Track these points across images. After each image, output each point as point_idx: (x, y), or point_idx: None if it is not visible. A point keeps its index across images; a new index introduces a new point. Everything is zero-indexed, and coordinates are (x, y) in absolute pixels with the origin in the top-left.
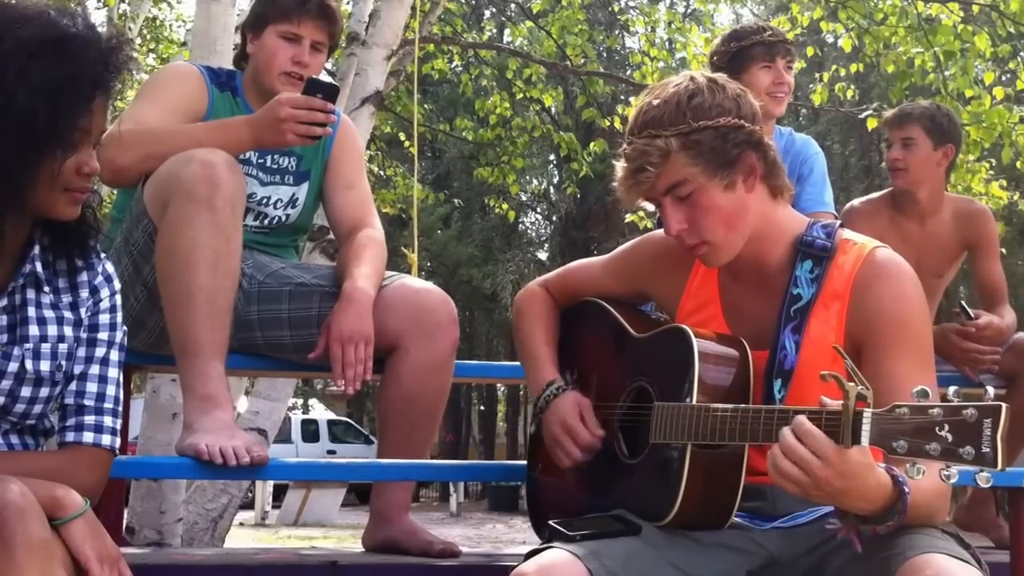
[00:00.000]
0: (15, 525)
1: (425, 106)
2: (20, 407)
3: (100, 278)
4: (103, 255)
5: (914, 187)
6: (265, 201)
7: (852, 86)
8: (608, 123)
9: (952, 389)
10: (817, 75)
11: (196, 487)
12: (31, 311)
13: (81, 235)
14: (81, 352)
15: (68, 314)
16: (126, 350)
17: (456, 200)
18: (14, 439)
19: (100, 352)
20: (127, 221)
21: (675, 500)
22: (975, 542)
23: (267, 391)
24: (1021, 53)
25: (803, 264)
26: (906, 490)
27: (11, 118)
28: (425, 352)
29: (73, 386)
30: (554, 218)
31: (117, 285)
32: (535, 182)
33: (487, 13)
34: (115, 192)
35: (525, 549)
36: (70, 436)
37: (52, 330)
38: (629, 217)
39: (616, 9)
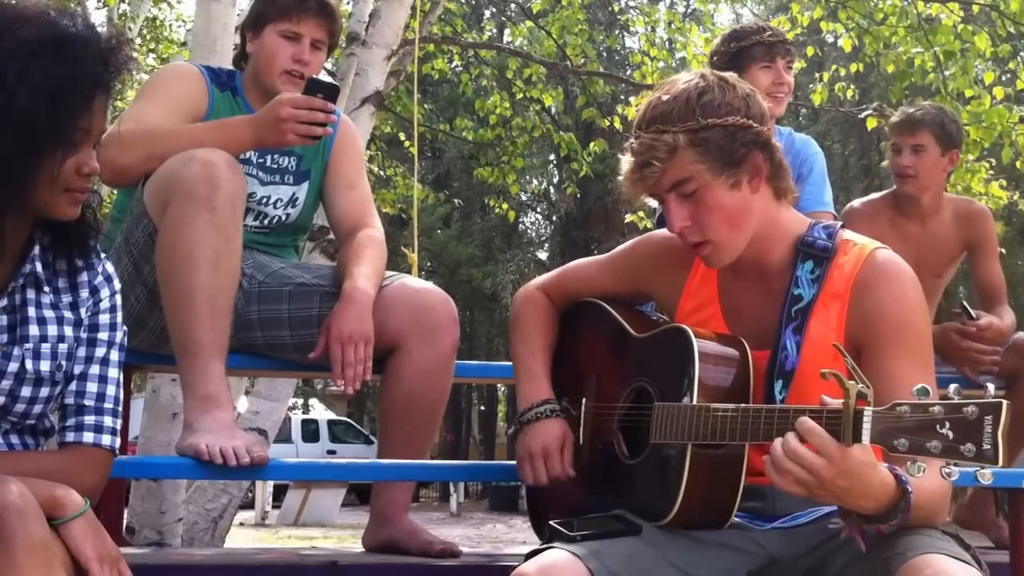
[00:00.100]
0: (15, 526)
1: (425, 106)
2: (20, 407)
3: (100, 278)
4: (103, 255)
5: (921, 192)
6: (265, 201)
7: (852, 86)
8: (608, 123)
9: (952, 387)
10: (817, 75)
11: (196, 487)
12: (31, 311)
13: (81, 235)
14: (81, 352)
15: (68, 314)
16: (126, 350)
17: (456, 200)
18: (14, 439)
19: (100, 352)
20: (127, 221)
21: (675, 500)
22: (975, 542)
23: (267, 391)
24: (1021, 53)
25: (804, 264)
26: (909, 489)
27: (11, 118)
28: (425, 352)
29: (73, 386)
30: (554, 218)
31: (117, 285)
32: (535, 182)
33: (487, 13)
34: (115, 192)
35: (525, 549)
36: (70, 436)
37: (52, 330)
38: (629, 217)
39: (616, 9)
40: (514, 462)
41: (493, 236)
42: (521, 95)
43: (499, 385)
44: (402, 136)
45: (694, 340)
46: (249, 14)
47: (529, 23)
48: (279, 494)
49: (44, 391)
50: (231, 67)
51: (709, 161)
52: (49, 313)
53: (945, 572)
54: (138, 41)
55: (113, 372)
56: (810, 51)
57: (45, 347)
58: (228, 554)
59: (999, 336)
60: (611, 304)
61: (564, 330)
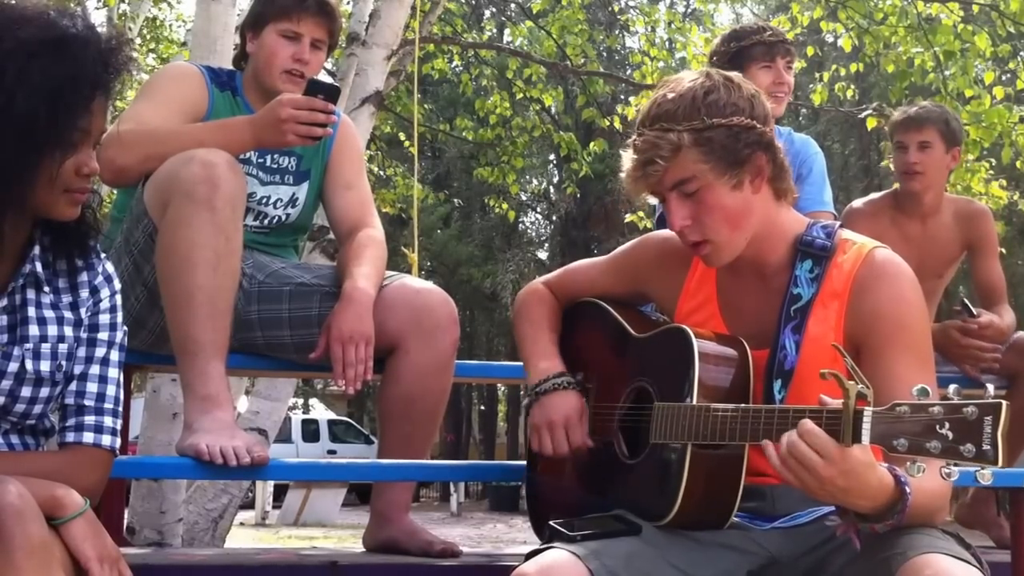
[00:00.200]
0: (13, 527)
1: (425, 106)
2: (20, 407)
3: (100, 278)
4: (103, 255)
5: (926, 190)
6: (265, 201)
7: (852, 86)
8: (608, 123)
9: (952, 388)
10: (817, 75)
11: (196, 487)
12: (31, 311)
13: (81, 235)
14: (81, 352)
15: (68, 314)
16: (126, 350)
17: (456, 200)
18: (14, 439)
19: (100, 352)
20: (127, 221)
21: (675, 500)
22: (975, 541)
23: (267, 391)
24: (1021, 53)
25: (803, 264)
26: (907, 490)
27: (11, 119)
28: (426, 352)
29: (73, 386)
30: (554, 218)
31: (117, 285)
32: (535, 182)
33: (487, 13)
34: (115, 192)
35: (526, 549)
36: (70, 436)
37: (52, 330)
38: (629, 217)
39: (616, 9)
40: (514, 462)
41: (493, 236)
42: (521, 95)
43: (499, 385)
44: (402, 136)
45: (694, 340)
46: (249, 14)
47: (529, 23)
48: (279, 494)
49: (44, 391)
50: (231, 67)
51: (712, 161)
52: (49, 313)
53: (945, 571)
54: (138, 41)
55: (113, 372)
56: (810, 51)
57: (45, 347)
58: (228, 554)
59: (999, 335)
60: (611, 304)
61: (565, 330)
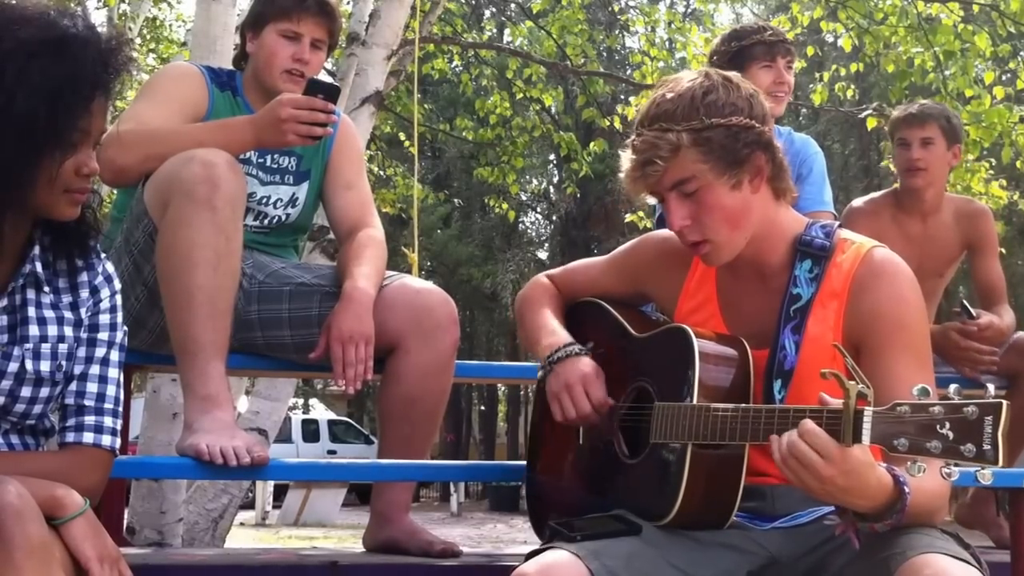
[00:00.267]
0: (13, 527)
1: (425, 106)
2: (20, 407)
3: (100, 278)
4: (103, 255)
5: (928, 187)
6: (265, 201)
7: (852, 86)
8: (608, 123)
9: (953, 387)
10: (817, 75)
11: (197, 487)
12: (31, 311)
13: (81, 235)
14: (81, 352)
15: (68, 314)
16: (126, 350)
17: (456, 200)
18: (14, 439)
19: (100, 352)
20: (127, 221)
21: (676, 500)
22: (975, 541)
23: (267, 391)
24: (1021, 53)
25: (802, 264)
26: (906, 490)
27: (10, 119)
28: (426, 352)
29: (73, 386)
30: (554, 218)
31: (117, 285)
32: (535, 182)
33: (487, 13)
34: (115, 192)
35: (526, 549)
36: (70, 436)
37: (52, 330)
38: (629, 217)
39: (616, 9)
40: (514, 462)
41: (493, 236)
42: (521, 95)
43: (499, 385)
44: (402, 136)
45: (694, 340)
46: (249, 14)
47: (529, 23)
48: (279, 494)
49: (44, 391)
50: (231, 67)
51: (712, 161)
52: (49, 313)
53: (945, 571)
54: (138, 41)
55: (113, 372)
56: (810, 51)
57: (45, 347)
58: (228, 554)
59: (999, 335)
60: (611, 304)
61: (565, 328)
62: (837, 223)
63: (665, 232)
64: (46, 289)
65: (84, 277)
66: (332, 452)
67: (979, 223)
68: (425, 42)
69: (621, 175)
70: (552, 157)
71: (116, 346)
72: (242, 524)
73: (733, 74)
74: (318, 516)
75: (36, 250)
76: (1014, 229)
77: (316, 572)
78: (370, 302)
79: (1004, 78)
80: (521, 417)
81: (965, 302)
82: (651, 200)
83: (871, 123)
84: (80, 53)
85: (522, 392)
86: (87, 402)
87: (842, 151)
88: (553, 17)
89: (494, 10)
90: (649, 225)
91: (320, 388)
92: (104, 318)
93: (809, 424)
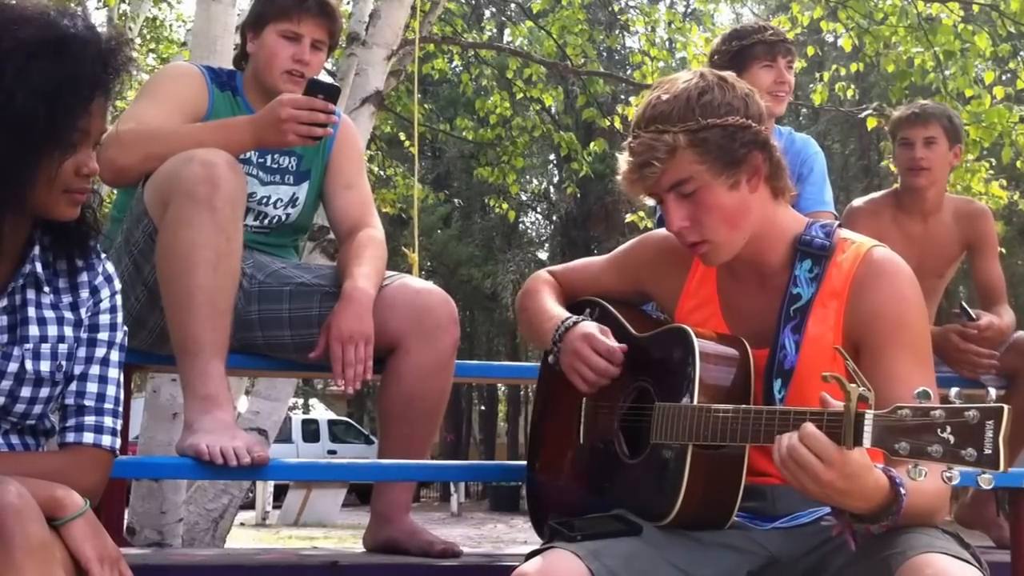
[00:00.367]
0: (13, 527)
1: (425, 106)
2: (20, 407)
3: (100, 278)
4: (103, 255)
5: (930, 186)
6: (265, 201)
7: (852, 86)
8: (608, 123)
9: (954, 391)
10: (817, 75)
11: (197, 487)
12: (31, 311)
13: (81, 235)
14: (81, 352)
15: (68, 314)
16: (126, 350)
17: (456, 200)
18: (14, 439)
19: (100, 352)
20: (127, 221)
21: (676, 500)
22: (975, 541)
23: (267, 391)
24: (1021, 53)
25: (802, 263)
26: (902, 491)
27: (10, 119)
28: (426, 352)
29: (73, 386)
30: (554, 218)
31: (117, 285)
32: (535, 182)
33: (487, 13)
34: (115, 192)
35: (526, 549)
36: (70, 436)
37: (52, 330)
38: (629, 217)
39: (616, 9)
40: (514, 462)
41: (493, 236)
42: (521, 95)
43: (499, 385)
44: (402, 136)
45: (695, 340)
46: (249, 14)
47: (529, 23)
48: (280, 494)
49: (44, 391)
50: (231, 67)
51: (709, 161)
52: (49, 313)
53: (945, 571)
54: (138, 41)
55: (113, 372)
56: (810, 51)
57: (45, 347)
58: (229, 554)
59: (999, 336)
60: (612, 303)
61: None
62: (837, 223)
63: (665, 231)
64: (46, 289)
65: (84, 277)
66: (332, 452)
67: (979, 223)
68: (425, 42)
69: (619, 177)
70: (552, 157)
71: (116, 346)
72: (242, 524)
73: (728, 74)
74: (318, 516)
75: (36, 250)
76: (1014, 229)
77: (316, 572)
78: (370, 302)
79: (1004, 78)
80: (521, 417)
81: (964, 304)
82: (650, 201)
83: (871, 123)
84: (80, 53)
85: (522, 392)
86: (87, 402)
87: (842, 151)
88: (553, 17)
89: (494, 10)
90: (650, 225)
91: (320, 388)
92: (104, 318)
93: (809, 428)
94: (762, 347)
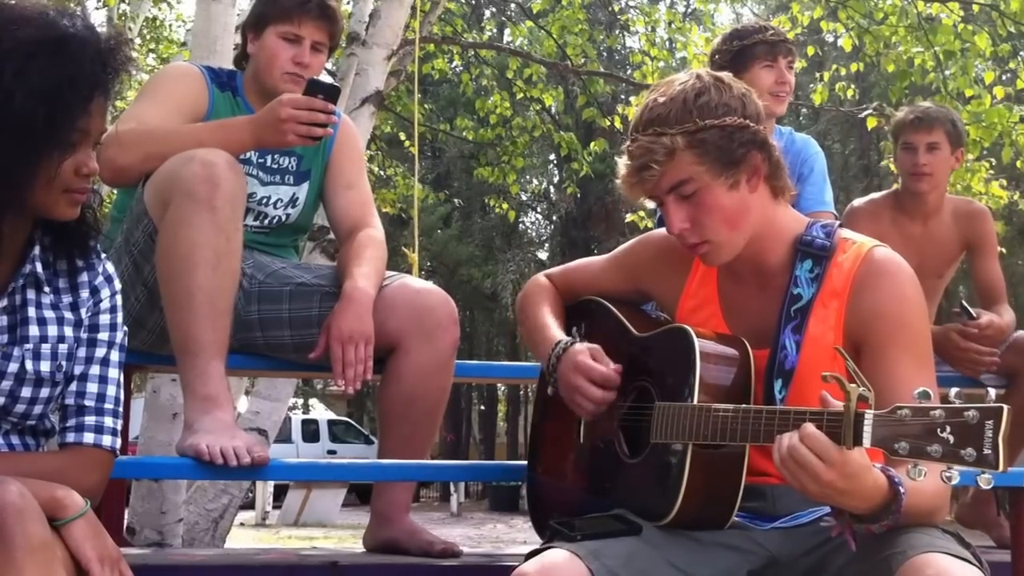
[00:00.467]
0: (14, 526)
1: (425, 106)
2: (20, 407)
3: (100, 278)
4: (103, 255)
5: (931, 191)
6: (265, 201)
7: (852, 85)
8: (608, 123)
9: (954, 391)
10: (817, 74)
11: (197, 487)
12: (31, 311)
13: (81, 235)
14: (81, 352)
15: (68, 314)
16: (126, 350)
17: (456, 200)
18: (14, 439)
19: (100, 352)
20: (127, 221)
21: (676, 500)
22: (976, 541)
23: (267, 391)
24: (1021, 52)
25: (803, 264)
26: (901, 491)
27: (9, 119)
28: (426, 352)
29: (73, 386)
30: (554, 218)
31: (117, 285)
32: (535, 182)
33: (487, 13)
34: (115, 192)
35: (526, 549)
36: (70, 437)
37: (52, 330)
38: (629, 217)
39: (616, 9)
40: (514, 462)
41: (493, 236)
42: (521, 95)
43: (499, 385)
44: (402, 136)
45: (695, 340)
46: (250, 15)
47: (529, 23)
48: (279, 494)
49: (44, 392)
50: (231, 67)
51: (708, 162)
52: (49, 313)
53: (946, 571)
54: (138, 41)
55: (113, 372)
56: (810, 51)
57: (45, 347)
58: (228, 554)
59: (1000, 334)
60: (613, 303)
61: (566, 328)
62: (838, 223)
63: (666, 231)
64: (46, 289)
65: (84, 277)
66: (332, 452)
67: (978, 223)
68: (425, 42)
69: (618, 181)
70: (552, 157)
71: (116, 346)
72: (242, 524)
73: (725, 74)
74: (318, 516)
75: (36, 250)
76: (1014, 229)
77: (316, 572)
78: (370, 302)
79: (1004, 78)
80: (521, 417)
81: (964, 303)
82: (650, 204)
83: (871, 123)
84: (79, 53)
85: (522, 392)
86: (87, 402)
87: (842, 151)
88: (553, 17)
89: (494, 10)
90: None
91: (320, 388)
92: (104, 318)
93: (810, 428)
94: (763, 347)
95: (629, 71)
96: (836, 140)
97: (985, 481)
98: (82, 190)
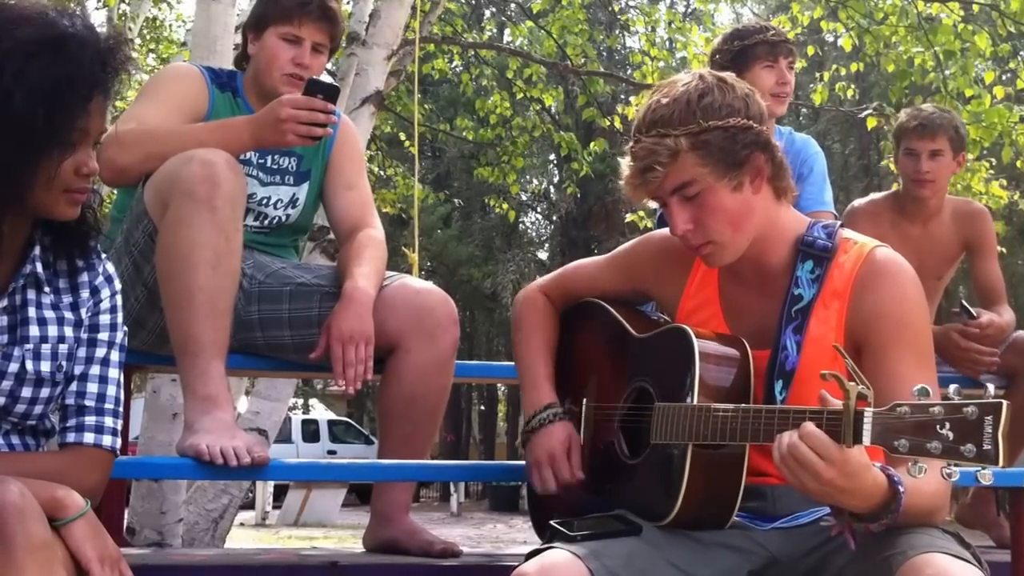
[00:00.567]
0: (15, 526)
1: (425, 106)
2: (21, 407)
3: (100, 278)
4: (103, 255)
5: (934, 195)
6: (265, 201)
7: (852, 85)
8: (608, 123)
9: (953, 387)
10: (817, 74)
11: (197, 487)
12: (31, 311)
13: (81, 235)
14: (81, 352)
15: (68, 314)
16: (126, 350)
17: (456, 200)
18: (15, 439)
19: (100, 352)
20: (127, 221)
21: (676, 500)
22: (976, 541)
23: (267, 391)
24: (1021, 52)
25: (804, 264)
26: (901, 489)
27: (8, 119)
28: (426, 352)
29: (73, 387)
30: (554, 218)
31: (118, 285)
32: (535, 182)
33: (487, 13)
34: (115, 192)
35: (526, 549)
36: (71, 437)
37: (52, 330)
38: (629, 217)
39: (616, 9)
40: (514, 462)
41: (493, 236)
42: (521, 95)
43: (499, 385)
44: (402, 136)
45: (695, 340)
46: (251, 15)
47: (529, 23)
48: (279, 494)
49: (44, 392)
50: (231, 67)
51: (711, 164)
52: (49, 313)
53: (946, 571)
54: (138, 41)
55: (113, 372)
56: (810, 51)
57: (45, 348)
58: (228, 554)
59: (1000, 333)
60: (612, 304)
61: (565, 329)
62: (839, 223)
63: (667, 232)
64: (46, 289)
65: (84, 277)
66: (332, 452)
67: (978, 224)
68: (425, 42)
69: (621, 182)
70: (552, 157)
71: (116, 346)
72: (242, 524)
73: (728, 74)
74: (318, 516)
75: (36, 250)
76: (1014, 229)
77: (316, 572)
78: (370, 302)
79: (1004, 78)
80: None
81: (964, 302)
82: (652, 204)
83: (871, 123)
84: (78, 53)
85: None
86: (87, 402)
87: (842, 151)
88: (553, 17)
89: (494, 10)
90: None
91: (320, 388)
92: (104, 318)
93: (810, 426)
94: (763, 348)
95: (629, 71)
96: (836, 140)
97: (985, 477)
98: (82, 190)
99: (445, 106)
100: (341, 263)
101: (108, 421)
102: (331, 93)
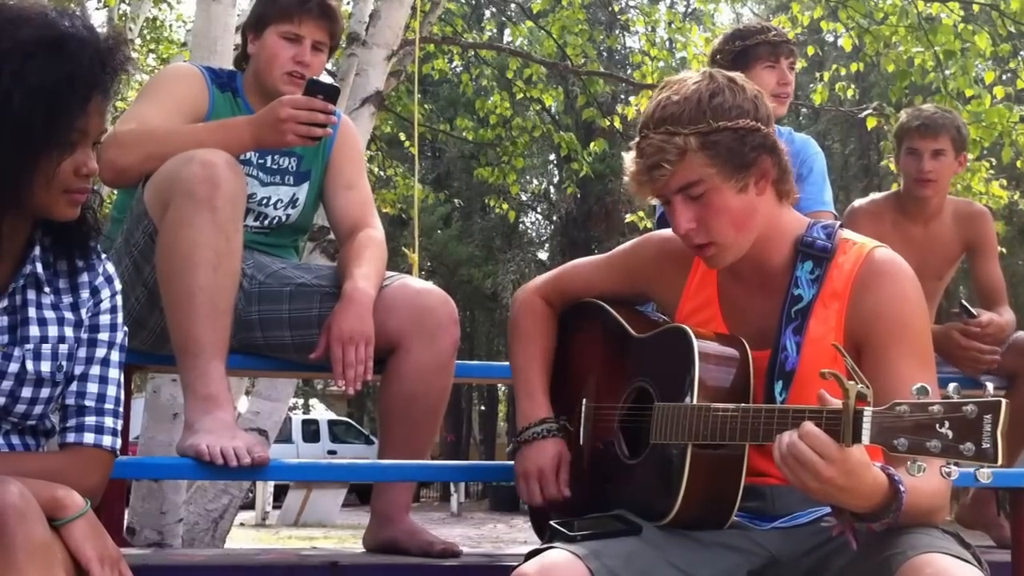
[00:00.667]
0: (15, 527)
1: (425, 106)
2: (21, 408)
3: (101, 279)
4: (104, 255)
5: (935, 196)
6: (265, 201)
7: (852, 85)
8: (608, 123)
9: (952, 386)
10: (817, 74)
11: (197, 487)
12: (32, 312)
13: (82, 236)
14: (82, 353)
15: (69, 315)
16: (126, 350)
17: (456, 200)
18: (15, 439)
19: (101, 353)
20: (128, 221)
21: (676, 500)
22: (976, 541)
23: (268, 391)
24: (1021, 52)
25: (804, 265)
26: (902, 488)
27: (7, 119)
28: (426, 352)
29: (74, 387)
30: (554, 218)
31: (118, 286)
32: (535, 182)
33: (487, 13)
34: (115, 192)
35: (526, 549)
36: (71, 437)
37: (53, 331)
38: (629, 217)
39: (616, 9)
40: (514, 463)
41: (493, 236)
42: (521, 95)
43: (499, 385)
44: (402, 136)
45: (694, 340)
46: (251, 15)
47: (529, 23)
48: (280, 494)
49: (44, 392)
50: (231, 67)
51: (719, 165)
52: (49, 314)
53: (946, 571)
54: (138, 41)
55: (114, 373)
56: (810, 51)
57: (45, 348)
58: (228, 555)
59: (1000, 332)
60: (611, 304)
61: (564, 330)
62: (838, 223)
63: (666, 232)
64: (46, 290)
65: (84, 278)
66: (332, 452)
67: (978, 224)
68: (425, 42)
69: (626, 178)
70: (552, 157)
71: (116, 346)
72: (242, 524)
73: (737, 75)
74: (318, 516)
75: (36, 251)
76: (1014, 229)
77: (316, 572)
78: (370, 302)
79: (1004, 78)
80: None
81: (964, 302)
82: (654, 202)
83: (871, 123)
84: (77, 53)
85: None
86: (87, 402)
87: (842, 151)
88: (553, 17)
89: (494, 10)
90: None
91: (320, 388)
92: (104, 318)
93: (809, 426)
94: (763, 349)
95: (629, 71)
96: (836, 140)
97: (984, 476)
98: (82, 190)
99: (445, 106)
100: (341, 263)
101: (108, 421)
102: (331, 93)
